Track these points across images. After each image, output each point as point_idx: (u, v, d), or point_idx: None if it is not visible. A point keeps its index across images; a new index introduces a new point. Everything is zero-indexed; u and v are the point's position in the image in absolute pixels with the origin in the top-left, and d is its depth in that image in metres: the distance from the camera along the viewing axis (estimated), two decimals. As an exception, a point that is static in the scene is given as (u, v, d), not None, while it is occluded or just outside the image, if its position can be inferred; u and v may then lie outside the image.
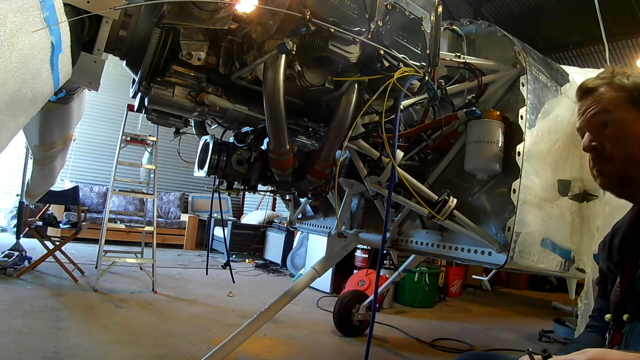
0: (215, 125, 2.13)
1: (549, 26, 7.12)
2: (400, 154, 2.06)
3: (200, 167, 2.00)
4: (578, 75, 2.55)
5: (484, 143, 2.03)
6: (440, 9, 1.84)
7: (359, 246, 4.91)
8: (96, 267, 4.52)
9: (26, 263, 4.59)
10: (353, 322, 3.65)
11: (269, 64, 1.53)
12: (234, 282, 4.81)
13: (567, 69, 2.61)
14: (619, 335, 0.98)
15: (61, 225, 5.16)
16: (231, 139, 2.13)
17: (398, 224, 2.56)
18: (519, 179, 1.98)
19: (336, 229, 2.72)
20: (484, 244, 2.10)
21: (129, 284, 4.60)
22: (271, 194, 3.04)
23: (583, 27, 6.70)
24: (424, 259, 4.30)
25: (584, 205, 2.40)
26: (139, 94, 1.72)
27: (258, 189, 2.28)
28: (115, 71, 7.14)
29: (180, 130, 2.20)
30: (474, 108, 2.07)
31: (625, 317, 0.97)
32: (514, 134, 2.05)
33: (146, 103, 1.68)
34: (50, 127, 2.24)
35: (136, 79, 1.65)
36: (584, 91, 1.05)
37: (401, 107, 1.77)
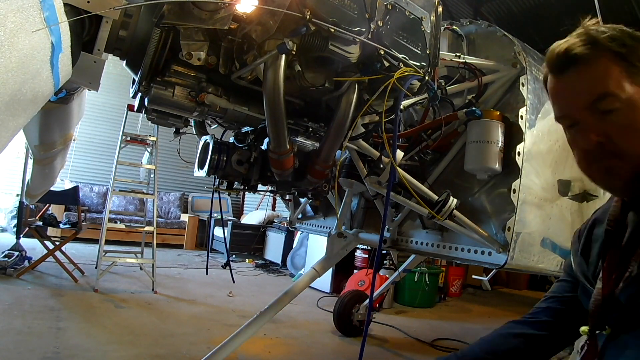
0: (215, 125, 2.13)
1: (549, 26, 7.11)
2: (400, 154, 2.06)
3: (200, 167, 2.00)
4: (578, 75, 2.55)
5: (484, 143, 2.03)
6: (440, 9, 1.84)
7: (359, 246, 4.92)
8: (96, 267, 4.52)
9: (26, 263, 4.59)
10: (353, 322, 3.65)
11: (269, 64, 1.53)
12: (234, 282, 4.81)
13: (567, 69, 2.60)
14: (594, 349, 0.80)
15: (61, 225, 5.16)
16: (231, 139, 2.13)
17: (398, 224, 2.56)
18: (519, 179, 1.98)
19: (336, 229, 2.72)
20: (484, 244, 2.10)
21: (129, 284, 4.60)
22: (271, 194, 3.04)
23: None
24: (424, 259, 4.30)
25: (584, 205, 2.40)
26: (139, 94, 1.72)
27: (258, 189, 2.28)
28: (115, 71, 7.14)
29: (180, 130, 2.20)
30: (474, 108, 2.07)
31: (605, 331, 0.79)
32: (514, 134, 2.05)
33: (146, 103, 1.68)
34: (50, 127, 2.24)
35: (136, 79, 1.65)
36: (564, 62, 0.76)
37: (401, 107, 1.77)
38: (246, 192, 3.79)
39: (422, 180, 2.22)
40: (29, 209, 4.92)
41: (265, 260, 7.26)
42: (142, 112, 1.86)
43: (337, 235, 2.70)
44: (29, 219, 4.76)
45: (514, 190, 1.98)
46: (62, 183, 7.05)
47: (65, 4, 1.10)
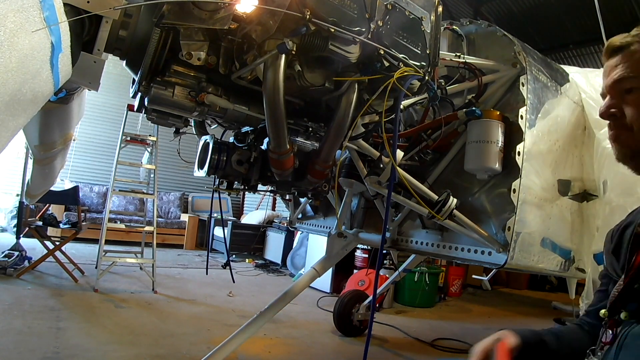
0: (215, 125, 2.13)
1: (549, 26, 7.12)
2: (400, 154, 2.06)
3: (200, 167, 2.00)
4: (578, 75, 2.56)
5: (484, 143, 2.03)
6: (440, 9, 1.84)
7: (359, 246, 4.92)
8: (96, 267, 4.52)
9: (26, 263, 4.60)
10: (353, 322, 3.65)
11: (269, 64, 1.53)
12: (234, 282, 4.81)
13: (567, 69, 2.61)
14: (612, 332, 0.89)
15: (61, 225, 5.16)
16: (231, 139, 2.13)
17: (398, 224, 2.56)
18: (519, 179, 1.98)
19: (336, 229, 2.72)
20: (484, 244, 2.10)
21: (129, 284, 4.60)
22: (271, 194, 3.04)
23: (583, 27, 6.70)
24: (424, 259, 4.30)
25: (584, 205, 2.40)
26: (139, 94, 1.72)
27: (258, 189, 2.28)
28: (115, 71, 7.15)
29: (180, 130, 2.20)
30: (474, 108, 2.07)
31: (623, 315, 0.87)
32: (514, 134, 2.05)
33: (146, 103, 1.68)
34: (50, 127, 2.24)
35: (136, 79, 1.65)
36: (612, 50, 0.92)
37: (401, 107, 1.77)
38: (246, 192, 3.79)
39: (422, 180, 2.22)
40: (29, 209, 4.92)
41: (265, 260, 7.26)
42: (142, 112, 1.86)
43: (337, 235, 2.70)
44: (29, 219, 4.77)
45: (514, 190, 1.98)
46: (62, 183, 7.05)
47: (65, 4, 1.10)
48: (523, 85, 2.09)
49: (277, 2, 1.43)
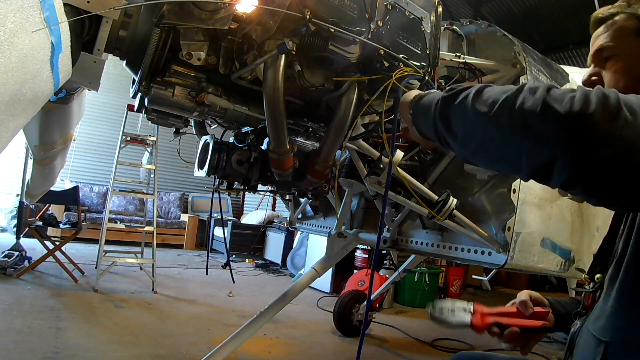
0: (215, 125, 2.13)
1: (549, 26, 7.12)
2: (400, 154, 2.06)
3: (200, 167, 2.00)
4: (578, 75, 2.55)
5: (484, 143, 2.02)
6: (440, 9, 1.84)
7: (359, 246, 4.92)
8: (96, 267, 4.52)
9: (26, 263, 4.60)
10: (353, 322, 3.65)
11: (269, 64, 1.53)
12: (234, 282, 4.82)
13: (567, 69, 2.61)
14: (591, 296, 0.93)
15: (61, 225, 5.16)
16: (231, 139, 2.13)
17: (398, 224, 2.56)
18: (519, 179, 1.98)
19: (336, 229, 2.72)
20: (484, 244, 2.09)
21: (129, 284, 4.60)
22: (271, 194, 3.04)
23: (583, 27, 6.69)
24: (424, 259, 4.30)
25: (584, 205, 2.40)
26: (139, 94, 1.72)
27: (258, 189, 2.27)
28: (115, 71, 7.15)
29: (180, 130, 2.20)
30: (474, 108, 2.07)
31: (596, 277, 0.92)
32: (514, 134, 2.05)
33: (146, 103, 1.68)
34: (50, 127, 2.24)
35: (136, 79, 1.65)
36: (596, 21, 0.96)
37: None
38: (246, 192, 3.80)
39: (422, 180, 2.22)
40: (29, 209, 4.92)
41: (265, 260, 7.26)
42: (142, 112, 1.86)
43: (337, 235, 2.70)
44: (29, 219, 4.77)
45: (514, 190, 1.98)
46: (62, 183, 7.05)
47: (65, 4, 1.10)
48: (523, 86, 2.09)
49: (277, 2, 1.43)
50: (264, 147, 1.96)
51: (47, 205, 5.38)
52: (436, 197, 2.06)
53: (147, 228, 4.82)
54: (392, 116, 1.82)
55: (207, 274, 3.87)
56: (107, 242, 4.91)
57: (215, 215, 7.10)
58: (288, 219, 3.65)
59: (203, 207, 8.66)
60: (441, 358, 3.40)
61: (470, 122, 0.74)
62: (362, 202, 2.89)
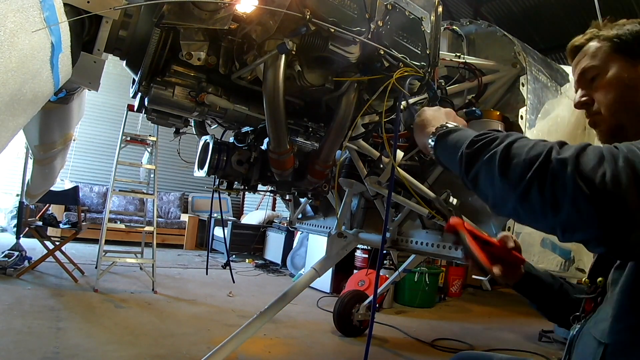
0: (215, 125, 2.13)
1: (549, 26, 7.12)
2: (400, 154, 2.06)
3: (200, 167, 2.00)
4: (578, 75, 2.55)
5: (484, 143, 2.02)
6: (440, 9, 1.84)
7: (359, 246, 4.91)
8: (96, 267, 4.52)
9: (26, 263, 4.59)
10: (353, 322, 3.65)
11: (269, 64, 1.53)
12: (234, 282, 4.81)
13: (567, 69, 2.61)
14: (591, 301, 0.93)
15: (61, 225, 5.16)
16: (231, 139, 2.13)
17: (398, 224, 2.56)
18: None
19: (336, 229, 2.72)
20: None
21: (129, 284, 4.60)
22: (271, 194, 3.04)
23: (583, 27, 6.68)
24: (424, 259, 4.30)
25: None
26: (139, 94, 1.72)
27: (258, 189, 2.28)
28: (115, 71, 7.15)
29: (180, 130, 2.20)
30: (474, 108, 2.07)
31: (599, 281, 0.92)
32: (514, 134, 2.05)
33: (146, 103, 1.68)
34: (50, 127, 2.24)
35: (136, 79, 1.65)
36: (572, 50, 1.04)
37: (401, 107, 1.77)
38: (246, 192, 3.80)
39: (422, 180, 2.22)
40: (29, 209, 4.92)
41: (265, 260, 7.26)
42: (142, 112, 1.86)
43: (337, 235, 2.70)
44: (29, 219, 4.76)
45: (514, 190, 1.98)
46: (62, 183, 7.05)
47: (65, 4, 1.10)
48: (523, 86, 2.09)
49: (277, 2, 1.43)
50: (264, 147, 1.96)
51: (47, 205, 5.38)
52: (436, 197, 2.06)
53: (147, 228, 4.82)
54: (392, 116, 1.82)
55: (207, 274, 3.86)
56: (107, 242, 4.91)
57: (215, 215, 7.10)
58: (288, 219, 3.65)
59: (203, 207, 8.66)
60: (441, 358, 3.39)
61: (499, 191, 0.71)
62: (362, 202, 2.89)
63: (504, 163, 0.70)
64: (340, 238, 2.71)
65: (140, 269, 4.85)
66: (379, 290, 4.02)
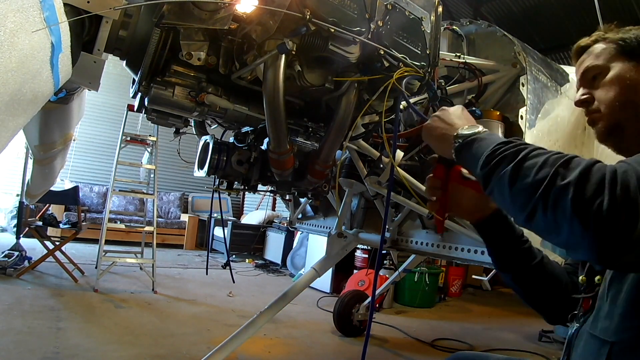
0: (215, 125, 2.13)
1: (549, 26, 7.12)
2: (400, 154, 2.06)
3: (200, 167, 2.00)
4: (578, 75, 2.55)
5: (484, 143, 2.03)
6: (440, 9, 1.84)
7: (359, 246, 4.92)
8: (96, 267, 4.52)
9: (26, 263, 4.59)
10: (353, 322, 3.65)
11: (269, 64, 1.53)
12: (234, 282, 4.82)
13: (567, 69, 2.61)
14: (589, 300, 0.94)
15: (61, 225, 5.16)
16: (231, 139, 2.13)
17: (398, 224, 2.56)
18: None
19: (336, 229, 2.72)
20: (484, 244, 2.09)
21: (129, 284, 4.60)
22: (271, 194, 3.04)
23: (583, 27, 6.70)
24: (424, 259, 4.30)
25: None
26: (139, 94, 1.72)
27: (258, 189, 2.28)
28: (115, 71, 7.14)
29: (180, 130, 2.20)
30: (474, 108, 2.07)
31: (597, 279, 0.93)
32: (514, 134, 2.05)
33: (146, 103, 1.68)
34: (50, 127, 2.24)
35: (136, 79, 1.65)
36: (577, 51, 1.05)
37: (401, 107, 1.77)
38: (246, 192, 3.80)
39: (422, 180, 2.22)
40: (29, 209, 4.92)
41: (265, 260, 7.26)
42: (142, 112, 1.86)
43: (337, 235, 2.70)
44: (29, 219, 4.76)
45: (514, 190, 1.98)
46: (62, 183, 7.05)
47: (65, 4, 1.10)
48: (523, 86, 2.09)
49: (277, 2, 1.43)
50: (264, 147, 1.96)
51: (47, 205, 5.38)
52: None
53: (147, 228, 4.82)
54: (392, 116, 1.82)
55: (207, 274, 3.87)
56: (107, 242, 4.91)
57: (215, 215, 7.10)
58: (288, 219, 3.65)
59: (203, 207, 8.66)
60: (441, 358, 3.39)
61: (511, 209, 0.77)
62: (362, 202, 2.89)
63: (512, 186, 0.74)
64: (340, 238, 2.71)
65: (140, 269, 4.85)
66: (379, 291, 4.02)
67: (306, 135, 1.94)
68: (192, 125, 2.26)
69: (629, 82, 0.92)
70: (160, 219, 7.60)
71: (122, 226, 5.80)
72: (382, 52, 1.60)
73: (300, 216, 3.44)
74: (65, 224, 5.24)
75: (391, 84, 1.59)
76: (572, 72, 2.57)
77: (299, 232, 6.34)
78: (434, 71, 1.81)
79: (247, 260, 7.21)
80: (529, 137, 2.03)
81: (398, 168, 1.85)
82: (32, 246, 4.98)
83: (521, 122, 2.01)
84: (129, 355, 2.72)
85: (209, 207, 7.41)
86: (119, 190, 5.20)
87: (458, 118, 0.98)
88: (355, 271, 5.19)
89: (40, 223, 4.77)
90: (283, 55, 1.51)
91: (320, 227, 3.27)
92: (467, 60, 2.22)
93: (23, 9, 0.88)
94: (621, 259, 0.64)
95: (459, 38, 2.40)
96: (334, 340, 3.57)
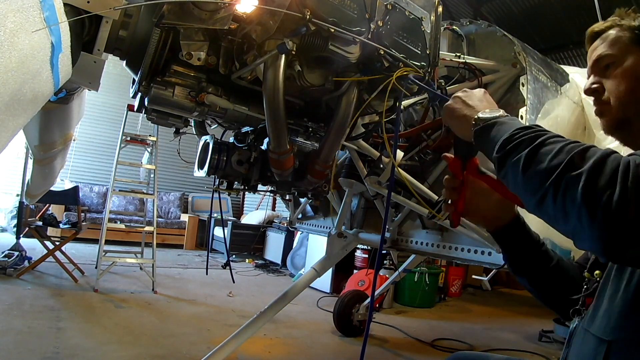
0: (215, 125, 2.13)
1: (549, 26, 7.12)
2: (400, 154, 2.06)
3: (200, 167, 2.00)
4: (578, 75, 2.56)
5: (484, 143, 2.03)
6: (440, 9, 1.84)
7: (359, 246, 4.92)
8: (96, 267, 4.52)
9: (26, 263, 4.60)
10: (353, 322, 3.65)
11: (269, 64, 1.53)
12: (234, 282, 4.81)
13: (567, 69, 2.61)
14: (593, 292, 0.94)
15: (61, 225, 5.16)
16: (231, 139, 2.13)
17: (398, 224, 2.56)
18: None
19: (336, 229, 2.72)
20: (484, 244, 2.09)
21: (129, 284, 4.60)
22: (271, 194, 3.04)
23: (583, 27, 6.68)
24: (424, 259, 4.30)
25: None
26: (139, 94, 1.72)
27: (258, 189, 2.28)
28: (115, 71, 7.14)
29: (180, 130, 2.20)
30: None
31: (596, 273, 0.94)
32: (514, 134, 2.05)
33: (146, 103, 1.68)
34: (50, 127, 2.24)
35: (136, 79, 1.65)
36: (591, 36, 1.01)
37: (401, 107, 1.77)
38: (246, 192, 3.80)
39: (422, 180, 2.22)
40: (29, 209, 4.92)
41: (265, 260, 7.26)
42: (142, 112, 1.86)
43: (337, 235, 2.70)
44: (29, 219, 4.77)
45: (514, 190, 1.98)
46: (62, 183, 7.05)
47: (65, 4, 1.10)
48: (523, 86, 2.09)
49: (277, 2, 1.43)
50: (264, 147, 1.96)
51: (47, 205, 5.38)
52: (436, 197, 2.05)
53: (147, 228, 4.82)
54: (392, 116, 1.82)
55: (207, 274, 3.86)
56: (107, 242, 4.91)
57: (215, 215, 7.10)
58: (288, 219, 3.65)
59: (203, 207, 8.66)
60: (441, 358, 3.39)
61: (522, 193, 0.77)
62: (362, 202, 2.89)
63: (526, 170, 0.73)
64: (340, 238, 2.71)
65: (140, 269, 4.85)
66: (379, 291, 4.02)
67: (306, 135, 1.94)
68: (192, 125, 2.26)
69: None
70: (160, 219, 7.60)
71: (122, 226, 5.80)
72: (382, 52, 1.60)
73: (300, 216, 3.44)
74: (65, 224, 5.24)
75: (391, 84, 1.59)
76: (572, 72, 2.57)
77: (299, 232, 6.34)
78: (434, 71, 1.81)
79: (247, 260, 7.21)
80: (529, 137, 2.03)
81: (398, 168, 1.85)
82: (32, 246, 4.98)
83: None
84: (129, 355, 2.72)
85: (209, 207, 7.41)
86: (119, 190, 5.20)
87: (480, 101, 0.97)
88: (355, 271, 5.19)
89: (40, 223, 4.77)
90: (283, 55, 1.51)
91: (320, 227, 3.27)
92: (467, 60, 2.22)
93: (23, 9, 0.88)
94: (627, 252, 0.63)
95: (459, 38, 2.40)
96: (334, 340, 3.57)
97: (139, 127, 5.49)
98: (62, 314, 3.37)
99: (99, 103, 7.96)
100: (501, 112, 0.90)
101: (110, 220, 4.75)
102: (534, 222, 2.09)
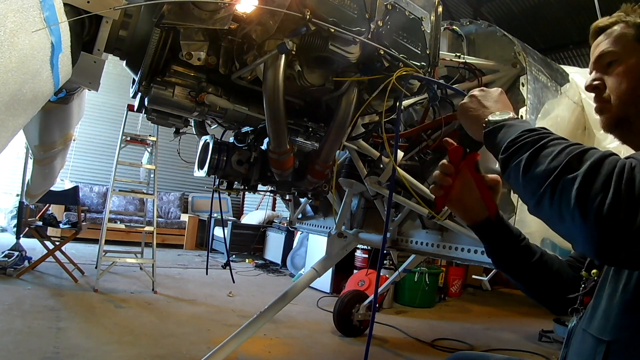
0: (215, 125, 2.13)
1: (549, 26, 7.12)
2: (400, 154, 2.06)
3: (200, 167, 2.00)
4: (578, 75, 2.56)
5: (484, 143, 2.03)
6: (440, 9, 1.84)
7: (359, 246, 4.92)
8: (96, 267, 4.52)
9: (26, 263, 4.59)
10: (353, 322, 3.65)
11: (269, 64, 1.53)
12: (234, 282, 4.81)
13: (567, 69, 2.61)
14: (590, 291, 0.94)
15: (61, 225, 5.16)
16: (231, 139, 2.13)
17: (398, 224, 2.56)
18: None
19: (336, 229, 2.72)
20: (482, 244, 2.09)
21: (129, 284, 4.60)
22: (271, 194, 3.04)
23: (583, 27, 6.69)
24: (424, 259, 4.31)
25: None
26: (139, 94, 1.72)
27: (258, 189, 2.28)
28: (115, 71, 7.14)
29: (180, 130, 2.20)
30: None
31: (593, 272, 0.94)
32: (513, 134, 2.05)
33: (146, 103, 1.68)
34: (50, 127, 2.24)
35: (136, 79, 1.65)
36: (595, 31, 0.99)
37: (401, 107, 1.77)
38: (246, 192, 3.80)
39: (422, 180, 2.22)
40: (29, 209, 4.92)
41: (265, 260, 7.26)
42: (142, 112, 1.86)
43: (337, 235, 2.70)
44: (29, 219, 4.76)
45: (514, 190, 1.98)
46: (62, 183, 7.05)
47: (65, 4, 1.10)
48: (523, 86, 2.09)
49: (277, 2, 1.43)
50: (264, 147, 1.96)
51: (47, 205, 5.38)
52: (436, 197, 2.05)
53: (147, 228, 4.82)
54: (393, 116, 1.82)
55: (207, 274, 3.86)
56: (107, 242, 4.91)
57: (215, 215, 7.10)
58: (288, 219, 3.65)
59: (203, 207, 8.66)
60: (441, 358, 3.39)
61: (522, 194, 0.79)
62: (362, 202, 2.89)
63: (526, 172, 0.75)
64: (340, 238, 2.71)
65: (140, 269, 4.85)
66: (379, 291, 4.01)
67: (306, 135, 1.95)
68: (192, 125, 2.26)
69: None
70: (160, 219, 7.60)
71: (122, 226, 5.80)
72: (382, 52, 1.60)
73: (300, 216, 3.44)
74: (65, 224, 5.24)
75: (391, 84, 1.59)
76: (572, 72, 2.57)
77: (299, 232, 6.34)
78: (434, 71, 1.81)
79: (247, 260, 7.21)
80: (529, 137, 2.03)
81: (398, 168, 1.85)
82: (32, 246, 4.98)
83: (521, 122, 2.01)
84: (129, 355, 2.72)
85: (209, 207, 7.41)
86: (119, 190, 5.20)
87: (495, 102, 0.96)
88: (355, 271, 5.19)
89: (40, 223, 4.77)
90: (283, 55, 1.51)
91: (320, 227, 3.27)
92: (467, 60, 2.22)
93: (23, 9, 0.88)
94: (619, 254, 0.64)
95: (459, 38, 2.40)
96: (334, 340, 3.57)
97: (139, 127, 5.49)
98: (62, 314, 3.37)
99: (99, 103, 7.96)
100: (511, 114, 0.91)
101: (110, 220, 4.75)
102: (535, 223, 2.10)
